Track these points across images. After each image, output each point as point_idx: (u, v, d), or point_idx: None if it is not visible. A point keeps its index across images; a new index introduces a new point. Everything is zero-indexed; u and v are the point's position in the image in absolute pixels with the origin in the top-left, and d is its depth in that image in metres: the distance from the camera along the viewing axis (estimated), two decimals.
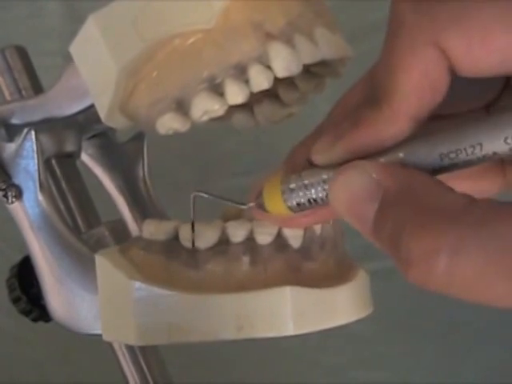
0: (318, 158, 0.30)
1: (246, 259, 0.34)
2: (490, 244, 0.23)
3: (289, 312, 0.33)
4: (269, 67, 0.33)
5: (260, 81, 0.32)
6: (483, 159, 0.27)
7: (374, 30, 0.77)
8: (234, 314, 0.33)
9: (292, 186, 0.30)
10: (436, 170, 0.27)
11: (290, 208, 0.31)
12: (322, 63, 0.35)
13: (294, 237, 0.35)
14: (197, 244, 0.35)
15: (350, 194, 0.27)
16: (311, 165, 0.30)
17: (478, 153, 0.26)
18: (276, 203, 0.31)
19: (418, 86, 0.26)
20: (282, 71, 0.33)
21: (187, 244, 0.35)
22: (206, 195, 0.34)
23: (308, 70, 0.37)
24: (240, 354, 0.82)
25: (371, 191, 0.26)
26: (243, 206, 0.33)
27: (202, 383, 0.80)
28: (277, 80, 0.33)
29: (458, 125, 0.27)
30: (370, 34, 0.76)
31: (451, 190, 0.25)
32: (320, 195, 0.30)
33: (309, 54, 0.33)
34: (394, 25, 0.27)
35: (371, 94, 0.28)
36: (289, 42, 0.33)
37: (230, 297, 0.33)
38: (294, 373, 0.84)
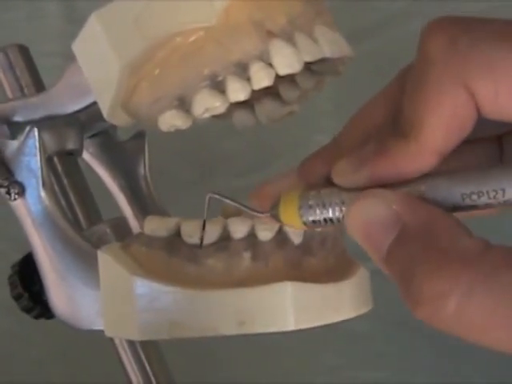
0: (340, 180, 0.30)
1: (247, 255, 0.35)
2: (499, 292, 0.24)
3: (290, 307, 0.34)
4: (270, 65, 0.33)
5: (261, 78, 0.33)
6: (504, 204, 0.27)
7: (373, 31, 0.77)
8: (235, 310, 0.33)
9: (310, 202, 0.30)
10: (456, 208, 0.28)
11: (305, 223, 0.31)
12: (323, 61, 0.35)
13: (295, 233, 0.35)
14: (198, 240, 0.35)
15: (368, 220, 0.27)
16: (330, 182, 0.31)
17: (500, 198, 0.27)
18: (291, 217, 0.31)
19: (446, 124, 0.27)
20: (283, 68, 0.33)
21: (189, 240, 0.35)
22: (221, 198, 0.34)
23: (308, 68, 0.37)
24: (239, 354, 0.82)
25: (389, 222, 0.27)
26: (258, 214, 0.33)
27: (200, 382, 0.80)
28: (277, 78, 0.34)
29: (482, 167, 0.28)
30: (370, 35, 0.77)
31: (469, 232, 0.26)
32: (337, 215, 0.30)
33: (310, 52, 0.33)
34: (424, 61, 0.27)
35: (397, 123, 0.29)
36: (290, 40, 0.33)
37: (231, 292, 0.34)
38: (294, 372, 0.84)
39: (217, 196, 0.34)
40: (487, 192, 0.27)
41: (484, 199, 0.27)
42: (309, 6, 0.35)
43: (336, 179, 0.30)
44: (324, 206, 0.30)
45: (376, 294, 0.38)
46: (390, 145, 0.28)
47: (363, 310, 0.37)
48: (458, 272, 0.24)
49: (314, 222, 0.31)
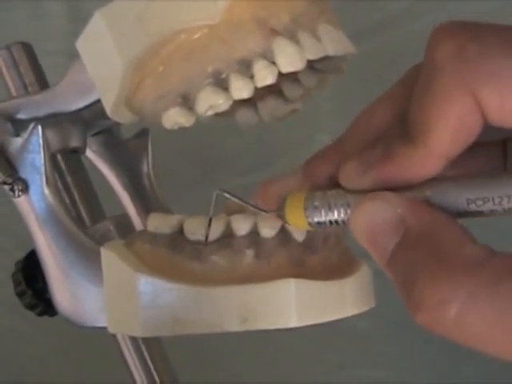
0: (347, 182, 0.30)
1: (249, 252, 0.35)
2: (500, 300, 0.24)
3: (293, 304, 0.34)
4: (273, 63, 0.33)
5: (264, 75, 0.33)
6: (509, 211, 0.27)
7: (375, 31, 0.77)
8: (238, 306, 0.34)
9: (316, 203, 0.31)
10: (460, 214, 0.28)
11: (310, 224, 0.31)
12: (326, 59, 0.35)
13: (298, 231, 0.35)
14: (201, 237, 0.35)
15: (372, 223, 0.28)
16: (335, 182, 0.31)
17: (505, 204, 0.27)
18: (297, 217, 0.31)
19: (453, 130, 0.27)
20: (286, 66, 0.33)
21: (192, 237, 0.35)
22: (227, 195, 0.34)
23: (311, 67, 0.37)
24: (240, 353, 0.82)
25: (394, 225, 0.27)
26: (264, 213, 0.33)
27: (201, 381, 0.80)
28: (280, 76, 0.34)
29: (488, 173, 0.28)
30: (372, 35, 0.77)
31: (473, 239, 0.26)
32: (342, 217, 0.30)
33: (312, 50, 0.34)
34: (432, 67, 0.28)
35: (404, 127, 0.29)
36: (293, 38, 0.33)
37: (234, 289, 0.34)
38: (295, 371, 0.85)
39: (223, 193, 0.34)
40: (492, 198, 0.27)
41: (489, 205, 0.27)
42: (312, 4, 0.35)
43: (343, 181, 0.31)
44: (329, 208, 0.30)
45: (377, 293, 0.39)
46: (397, 149, 0.29)
47: (365, 308, 0.37)
48: (460, 279, 0.24)
49: (319, 223, 0.31)
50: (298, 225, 0.32)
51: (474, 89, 0.26)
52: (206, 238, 0.35)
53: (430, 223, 0.27)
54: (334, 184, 0.32)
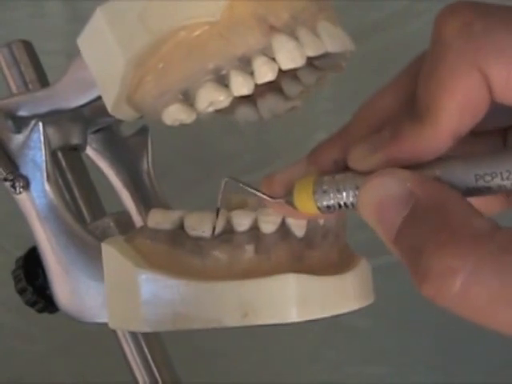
0: (355, 164, 0.30)
1: (250, 248, 0.35)
2: (506, 271, 0.24)
3: (293, 299, 0.34)
4: (273, 59, 0.33)
5: (264, 72, 0.33)
6: None
7: (374, 31, 0.78)
8: (239, 301, 0.34)
9: (325, 187, 0.31)
10: (469, 191, 0.28)
11: (319, 208, 0.31)
12: (325, 57, 0.36)
13: (298, 226, 0.36)
14: (202, 233, 0.35)
15: (381, 198, 0.28)
16: (340, 168, 0.31)
17: None
18: (306, 202, 0.31)
19: (460, 106, 0.28)
20: (286, 63, 0.33)
21: (192, 233, 0.35)
22: (236, 182, 0.33)
23: (311, 64, 0.37)
24: (239, 351, 0.82)
25: (402, 199, 0.27)
26: (272, 200, 0.33)
27: (202, 381, 0.80)
28: (280, 73, 0.34)
29: (496, 149, 0.28)
30: (371, 35, 0.77)
31: (479, 214, 0.26)
32: (351, 200, 0.30)
33: (312, 47, 0.34)
34: (439, 46, 0.28)
35: (411, 107, 0.29)
36: (292, 34, 0.34)
37: (234, 284, 0.34)
38: (294, 368, 0.85)
39: (233, 180, 0.34)
40: (500, 173, 0.27)
41: (497, 180, 0.27)
42: (311, 2, 0.35)
43: (351, 163, 0.31)
44: (338, 191, 0.30)
45: (377, 290, 0.39)
46: (405, 128, 0.29)
47: (365, 303, 0.37)
48: (467, 249, 0.25)
49: (328, 207, 0.31)
50: (307, 209, 0.31)
51: (480, 64, 0.27)
52: (214, 230, 0.35)
53: (439, 196, 0.27)
54: (339, 169, 0.32)
